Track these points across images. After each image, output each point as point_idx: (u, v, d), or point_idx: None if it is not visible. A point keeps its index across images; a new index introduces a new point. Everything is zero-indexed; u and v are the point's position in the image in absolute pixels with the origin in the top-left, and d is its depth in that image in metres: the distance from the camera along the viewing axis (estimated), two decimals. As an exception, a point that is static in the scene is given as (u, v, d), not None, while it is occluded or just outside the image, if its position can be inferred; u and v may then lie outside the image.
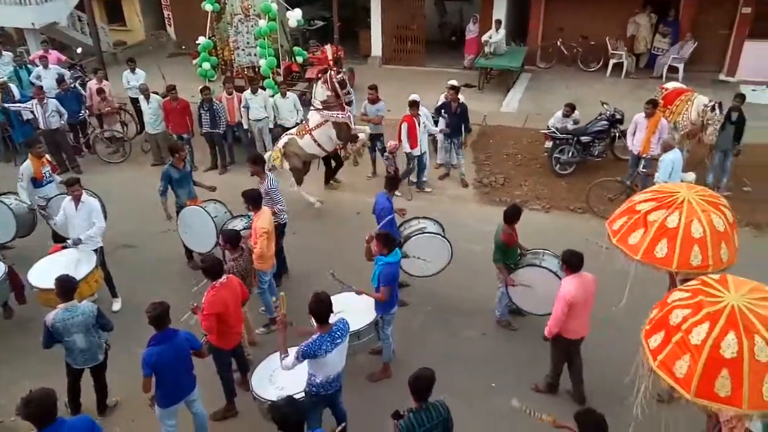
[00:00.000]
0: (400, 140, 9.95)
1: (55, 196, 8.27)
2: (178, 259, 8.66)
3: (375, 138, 10.56)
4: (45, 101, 10.82)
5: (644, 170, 9.27)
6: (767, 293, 3.82)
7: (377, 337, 6.41)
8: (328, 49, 10.68)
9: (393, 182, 7.48)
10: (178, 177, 8.05)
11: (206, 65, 12.75)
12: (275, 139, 11.52)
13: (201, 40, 12.79)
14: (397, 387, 6.14)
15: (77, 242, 7.19)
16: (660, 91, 10.94)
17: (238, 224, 7.66)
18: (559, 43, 16.07)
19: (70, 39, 17.23)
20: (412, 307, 7.66)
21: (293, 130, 9.95)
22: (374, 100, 10.72)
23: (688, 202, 4.97)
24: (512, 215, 6.69)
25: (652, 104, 9.50)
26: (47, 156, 8.90)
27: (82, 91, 12.33)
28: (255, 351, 6.76)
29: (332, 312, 4.95)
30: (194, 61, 13.22)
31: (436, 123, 10.54)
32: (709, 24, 14.94)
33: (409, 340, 7.07)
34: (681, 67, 14.60)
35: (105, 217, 7.72)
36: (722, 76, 14.93)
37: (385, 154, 10.17)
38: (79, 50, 15.64)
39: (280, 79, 12.65)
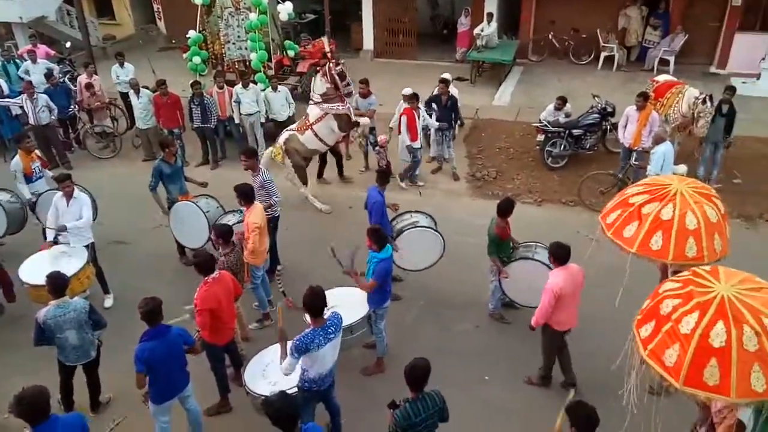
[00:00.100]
0: (399, 133, 9.92)
1: (46, 191, 8.20)
2: (170, 255, 8.63)
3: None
4: (35, 96, 10.72)
5: (636, 163, 9.30)
6: (757, 284, 3.85)
7: (370, 332, 6.41)
8: (325, 41, 10.65)
9: (384, 176, 7.47)
10: (170, 172, 8.00)
11: (197, 59, 12.69)
12: (267, 134, 11.55)
13: (191, 34, 12.72)
14: (391, 381, 6.18)
15: (62, 228, 7.12)
16: (651, 83, 10.99)
17: (231, 219, 7.64)
18: (550, 36, 16.09)
19: (59, 33, 17.06)
20: (405, 301, 7.68)
21: (293, 126, 9.85)
22: (365, 94, 10.71)
23: (681, 194, 5.00)
24: (505, 208, 6.70)
25: (643, 97, 9.53)
26: (37, 151, 8.82)
27: (72, 86, 12.23)
28: (248, 346, 6.76)
29: (326, 306, 4.95)
30: (185, 55, 13.16)
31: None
32: (699, 16, 15.00)
33: (402, 334, 7.09)
34: (672, 59, 14.66)
35: (96, 213, 7.67)
36: (713, 69, 15.00)
37: (377, 148, 10.16)
38: (67, 44, 15.49)
39: (271, 72, 12.60)
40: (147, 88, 11.42)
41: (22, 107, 10.96)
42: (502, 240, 6.77)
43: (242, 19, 12.43)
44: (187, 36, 12.81)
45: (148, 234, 9.19)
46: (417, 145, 10.00)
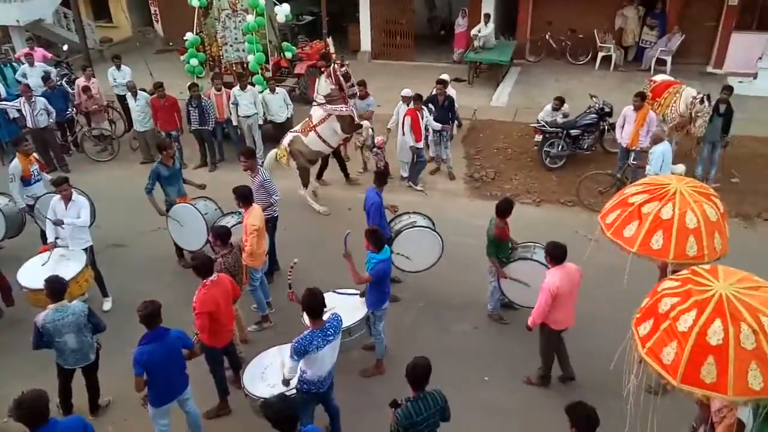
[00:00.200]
0: (403, 134, 9.93)
1: (44, 194, 8.19)
2: (169, 258, 8.62)
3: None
4: (33, 100, 10.70)
5: (635, 162, 9.31)
6: (756, 283, 3.87)
7: (369, 334, 6.41)
8: (330, 42, 10.72)
9: (382, 177, 7.48)
10: (168, 175, 8.00)
11: (194, 61, 12.68)
12: (265, 136, 11.54)
13: (188, 36, 12.70)
14: (390, 382, 6.19)
15: (59, 222, 7.10)
16: (648, 83, 11.00)
17: (230, 221, 7.64)
18: (547, 36, 16.11)
19: (56, 36, 17.05)
20: (404, 302, 7.67)
21: (297, 128, 9.84)
22: (363, 96, 10.71)
23: (680, 193, 5.02)
24: (504, 209, 6.71)
25: (641, 97, 9.54)
26: (35, 154, 8.80)
27: (69, 89, 12.22)
28: (247, 348, 6.75)
29: (325, 307, 4.94)
30: (182, 58, 13.14)
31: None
32: (696, 16, 15.05)
33: (401, 336, 7.09)
34: (669, 59, 14.68)
35: (94, 217, 7.65)
36: (710, 68, 15.03)
37: (374, 149, 10.16)
38: (65, 47, 15.48)
39: (268, 74, 12.60)
40: (144, 90, 11.41)
41: (19, 110, 10.94)
42: (501, 240, 6.78)
43: (239, 21, 12.42)
44: (185, 38, 12.79)
45: (146, 237, 9.18)
46: (420, 145, 10.00)
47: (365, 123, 9.83)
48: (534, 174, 10.81)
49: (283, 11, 12.56)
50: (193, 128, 11.21)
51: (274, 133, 11.79)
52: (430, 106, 10.49)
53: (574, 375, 6.38)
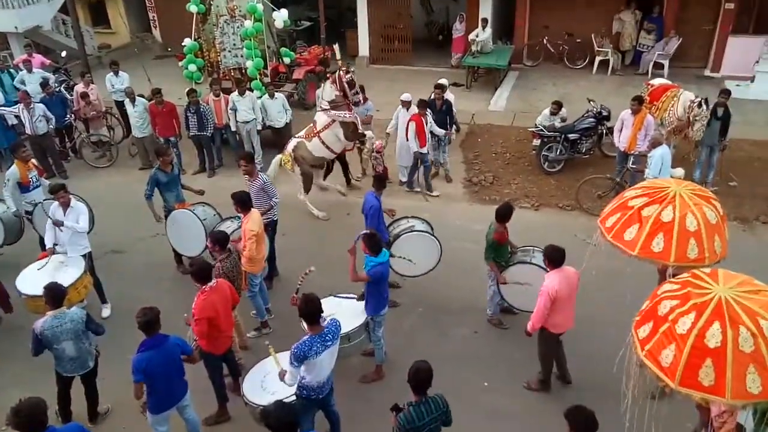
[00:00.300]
0: (407, 139, 9.95)
1: (43, 200, 8.17)
2: (168, 264, 8.61)
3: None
4: (32, 106, 10.69)
5: (634, 166, 9.32)
6: (756, 286, 3.87)
7: (368, 339, 6.40)
8: (337, 49, 10.79)
9: (381, 181, 7.49)
10: (166, 180, 8.00)
11: (192, 67, 12.71)
12: (264, 141, 11.55)
13: (187, 42, 12.74)
14: (390, 388, 6.18)
15: (59, 223, 7.09)
16: (646, 87, 11.02)
17: (231, 226, 7.64)
18: (545, 41, 16.14)
19: (54, 42, 17.07)
20: (404, 307, 7.66)
21: (301, 133, 9.85)
22: (362, 101, 10.71)
23: (680, 196, 5.03)
24: (504, 214, 6.72)
25: (638, 101, 9.55)
26: (33, 160, 8.80)
27: (67, 95, 12.22)
28: (246, 355, 6.74)
29: (322, 312, 4.94)
30: (180, 64, 13.17)
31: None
32: (693, 20, 15.09)
33: (401, 341, 7.07)
34: (666, 63, 14.72)
35: (93, 223, 7.64)
36: (707, 72, 15.07)
37: (373, 153, 10.17)
38: (63, 54, 15.50)
39: (267, 80, 12.62)
40: (143, 96, 11.42)
41: (18, 117, 10.94)
42: (500, 244, 6.78)
43: (238, 27, 12.45)
44: (183, 44, 12.83)
45: (145, 242, 9.17)
46: (425, 150, 10.02)
47: (368, 133, 9.84)
48: (532, 178, 10.82)
49: (281, 17, 12.59)
50: (191, 134, 11.21)
51: (272, 138, 11.81)
52: (428, 110, 10.49)
53: (571, 379, 6.39)
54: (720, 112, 9.64)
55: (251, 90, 11.55)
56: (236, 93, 11.10)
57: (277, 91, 11.80)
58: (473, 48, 15.21)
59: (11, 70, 12.91)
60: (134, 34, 19.68)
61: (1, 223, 8.14)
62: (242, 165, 7.57)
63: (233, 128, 11.30)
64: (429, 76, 14.15)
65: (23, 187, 8.29)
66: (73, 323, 5.54)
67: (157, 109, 10.95)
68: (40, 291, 5.74)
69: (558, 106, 10.85)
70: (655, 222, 4.96)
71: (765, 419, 3.90)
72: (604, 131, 10.91)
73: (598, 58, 15.55)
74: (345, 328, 5.69)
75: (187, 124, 11.13)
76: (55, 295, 5.54)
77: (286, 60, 13.52)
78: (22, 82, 12.17)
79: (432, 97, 10.64)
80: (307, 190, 9.79)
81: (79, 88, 12.01)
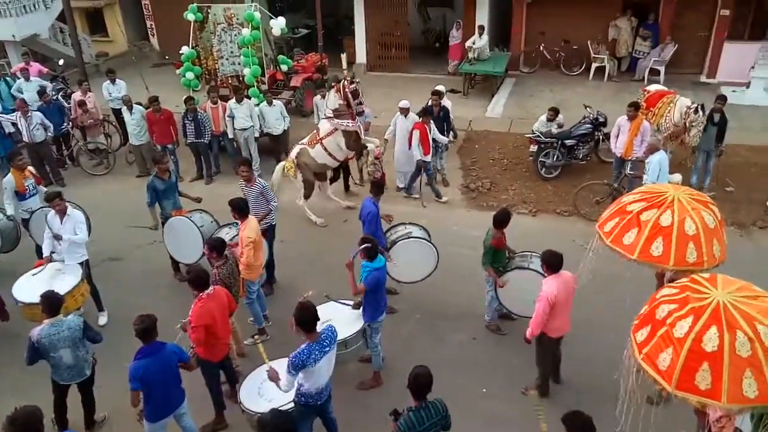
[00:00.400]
0: (410, 148, 9.98)
1: (39, 208, 8.17)
2: (165, 271, 8.58)
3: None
4: (29, 114, 10.69)
5: (632, 172, 9.34)
6: (754, 292, 3.88)
7: (365, 346, 6.38)
8: (343, 58, 10.89)
9: (379, 187, 7.50)
10: (164, 188, 8.00)
11: (190, 75, 12.71)
12: (261, 148, 11.56)
13: (184, 49, 12.75)
14: (389, 394, 6.16)
15: (58, 237, 7.07)
16: (642, 93, 11.06)
17: (230, 232, 7.63)
18: (541, 47, 16.22)
19: (52, 51, 17.09)
20: (402, 314, 7.65)
21: (305, 140, 9.90)
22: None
23: (678, 200, 5.05)
24: (502, 220, 6.72)
25: (634, 107, 9.59)
26: (30, 168, 8.79)
27: (65, 104, 12.22)
28: (244, 362, 6.71)
29: (318, 320, 4.92)
30: (178, 71, 13.18)
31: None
32: (688, 27, 15.19)
33: (399, 347, 7.05)
34: (662, 69, 14.79)
35: (89, 231, 7.63)
36: (703, 78, 15.16)
37: (372, 160, 10.17)
38: (60, 62, 15.51)
39: (264, 87, 12.64)
40: (140, 104, 11.42)
41: (15, 124, 10.93)
42: (498, 250, 6.78)
43: (235, 35, 12.48)
44: (180, 52, 12.84)
45: (142, 250, 9.14)
46: (428, 158, 10.05)
47: (370, 146, 9.86)
48: (530, 184, 10.84)
49: (278, 25, 12.62)
50: (189, 141, 11.21)
51: (270, 145, 11.82)
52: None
53: (561, 380, 6.44)
54: (716, 117, 9.67)
55: (249, 97, 11.57)
56: (234, 100, 11.12)
57: (275, 99, 11.82)
58: (470, 55, 15.28)
59: (8, 79, 12.92)
60: (132, 43, 19.71)
61: (-1, 231, 8.11)
62: (243, 171, 7.63)
63: (231, 135, 11.31)
64: (426, 83, 14.18)
65: (19, 195, 8.27)
66: (71, 331, 5.52)
67: (155, 116, 10.96)
68: (36, 299, 5.72)
69: (555, 112, 10.89)
70: (654, 226, 4.98)
71: (762, 423, 3.90)
72: (601, 137, 10.95)
73: (594, 65, 15.63)
74: (342, 335, 5.68)
75: (184, 131, 11.14)
76: (51, 303, 5.51)
77: (284, 67, 13.56)
78: (20, 90, 12.18)
79: (429, 103, 10.69)
80: (307, 196, 9.81)
81: (77, 96, 12.02)
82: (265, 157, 11.70)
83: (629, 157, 9.53)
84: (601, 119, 10.93)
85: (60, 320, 5.52)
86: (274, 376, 4.99)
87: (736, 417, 4.03)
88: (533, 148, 10.97)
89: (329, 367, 5.06)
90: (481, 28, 15.37)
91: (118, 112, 12.16)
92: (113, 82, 12.40)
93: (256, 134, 11.35)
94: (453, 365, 6.75)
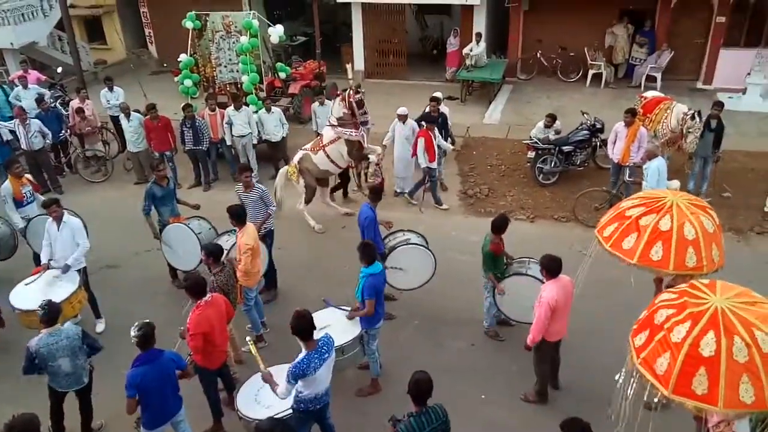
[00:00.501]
0: (414, 154, 10.02)
1: (36, 216, 8.15)
2: (163, 278, 8.56)
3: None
4: (27, 122, 10.70)
5: (630, 179, 9.36)
6: (753, 298, 3.88)
7: (363, 352, 6.36)
8: (349, 68, 10.91)
9: (377, 193, 7.51)
10: (162, 195, 8.00)
11: (188, 82, 12.73)
12: (259, 155, 11.58)
13: (183, 57, 12.78)
14: (387, 401, 6.14)
15: (66, 269, 7.06)
16: (639, 100, 11.10)
17: (229, 240, 7.63)
18: (538, 54, 16.29)
19: (50, 58, 17.12)
20: (400, 320, 7.64)
21: (308, 146, 9.96)
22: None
23: (677, 205, 5.07)
24: (500, 225, 6.73)
25: (631, 113, 9.63)
26: (28, 175, 8.78)
27: (63, 111, 12.23)
28: (241, 369, 6.69)
29: (315, 328, 4.91)
30: (176, 79, 13.20)
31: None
32: (684, 33, 15.28)
33: (397, 354, 7.04)
34: (659, 76, 14.85)
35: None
36: (699, 84, 15.23)
37: (372, 169, 10.19)
38: (59, 70, 15.54)
39: (262, 95, 12.66)
40: (138, 111, 11.44)
41: (13, 132, 10.93)
42: (496, 256, 6.79)
43: (233, 42, 12.51)
44: (179, 59, 12.87)
45: (139, 257, 9.13)
46: (434, 165, 10.10)
47: (372, 158, 9.89)
48: (527, 190, 10.85)
49: (276, 32, 12.67)
50: (187, 148, 11.22)
51: (268, 152, 11.83)
52: (423, 123, 10.56)
53: (559, 387, 6.44)
54: (713, 123, 9.71)
55: (247, 105, 11.60)
56: (232, 107, 11.15)
57: (273, 106, 11.85)
58: (467, 62, 15.34)
59: (6, 87, 12.93)
60: (130, 50, 19.76)
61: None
62: (246, 177, 7.69)
63: (229, 142, 11.33)
64: (424, 90, 14.24)
65: (17, 202, 8.26)
66: (69, 340, 5.50)
67: (152, 124, 10.97)
68: (33, 306, 5.70)
69: (552, 118, 10.92)
70: (654, 231, 4.99)
71: (761, 428, 3.89)
72: (598, 143, 10.97)
73: (591, 72, 15.69)
74: (339, 341, 5.67)
75: (182, 138, 11.15)
76: (49, 314, 5.49)
77: (282, 75, 13.59)
78: (18, 98, 12.17)
79: (428, 109, 10.74)
80: (307, 201, 9.86)
81: (75, 103, 12.02)
82: (263, 164, 11.71)
83: (626, 164, 9.56)
84: (599, 125, 10.96)
85: (58, 329, 5.50)
86: (268, 379, 4.98)
87: (735, 422, 4.04)
88: (531, 154, 10.99)
89: (329, 372, 5.05)
90: (479, 35, 15.44)
91: (116, 120, 12.18)
92: (111, 89, 12.42)
93: (254, 141, 11.37)
94: (452, 371, 6.73)
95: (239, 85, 12.62)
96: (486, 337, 7.36)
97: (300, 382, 4.86)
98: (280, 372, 5.04)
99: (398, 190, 10.74)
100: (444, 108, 11.03)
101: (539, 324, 5.79)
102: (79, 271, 7.24)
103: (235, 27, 12.42)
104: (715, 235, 5.05)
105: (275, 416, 4.92)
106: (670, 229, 4.93)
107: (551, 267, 5.77)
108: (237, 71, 12.67)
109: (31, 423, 4.13)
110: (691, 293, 3.92)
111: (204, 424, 6.03)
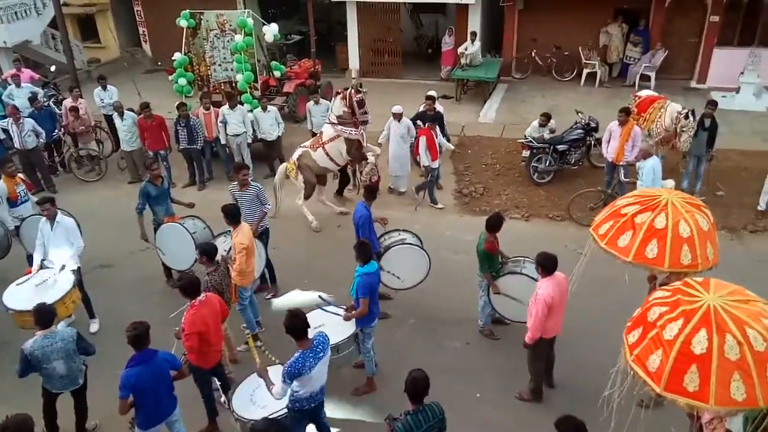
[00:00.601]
0: (417, 153, 10.02)
1: (30, 216, 8.11)
2: (157, 278, 8.54)
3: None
4: (21, 121, 10.64)
5: (626, 180, 9.38)
6: (746, 296, 3.90)
7: (358, 351, 6.37)
8: (355, 70, 10.87)
9: (372, 192, 7.51)
10: (156, 194, 7.97)
11: (182, 81, 12.70)
12: (254, 154, 11.56)
13: (177, 56, 12.73)
14: (382, 399, 6.14)
15: (62, 270, 7.02)
16: (633, 99, 11.14)
17: (227, 241, 7.59)
18: (533, 53, 16.32)
19: (44, 57, 17.02)
20: (395, 319, 7.64)
21: (307, 143, 9.99)
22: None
23: (672, 204, 5.10)
24: (494, 224, 6.74)
25: (625, 112, 9.65)
26: (21, 175, 8.74)
27: (56, 110, 12.17)
28: (236, 369, 6.68)
29: (309, 327, 4.91)
30: (170, 77, 13.16)
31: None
32: (678, 33, 15.34)
33: (392, 353, 7.04)
34: (653, 75, 14.91)
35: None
36: (693, 84, 15.29)
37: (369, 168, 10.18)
38: (52, 68, 15.46)
39: (257, 93, 12.64)
40: (132, 110, 11.40)
41: (6, 131, 10.87)
42: (491, 254, 6.80)
43: (228, 41, 12.48)
44: (173, 58, 12.83)
45: (134, 257, 9.09)
46: (436, 165, 10.11)
47: (371, 158, 9.89)
48: (522, 189, 10.87)
49: (271, 31, 12.64)
50: (181, 147, 11.19)
51: (264, 151, 11.81)
52: (419, 122, 10.57)
53: (554, 385, 6.46)
54: (707, 122, 9.75)
55: (242, 103, 11.57)
56: (227, 106, 11.13)
57: (269, 105, 11.83)
58: (462, 61, 15.34)
59: (-2, 85, 12.87)
60: (124, 49, 19.69)
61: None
62: (243, 175, 7.68)
63: (223, 141, 11.30)
64: (419, 89, 14.24)
65: (11, 202, 8.23)
66: (64, 342, 5.48)
67: (146, 123, 10.93)
68: (26, 306, 5.68)
69: (547, 117, 10.94)
70: (649, 228, 5.02)
71: (754, 425, 3.91)
72: (593, 142, 11.00)
73: (585, 71, 15.72)
74: (334, 340, 5.67)
75: (177, 137, 11.12)
76: (44, 317, 5.47)
77: (277, 73, 13.57)
78: (11, 97, 12.11)
79: (423, 108, 10.75)
80: (306, 196, 9.89)
81: (68, 102, 11.96)
82: (258, 163, 11.68)
83: (620, 162, 9.59)
84: (593, 124, 10.99)
85: (53, 332, 5.48)
86: (263, 374, 4.98)
87: (727, 419, 4.06)
88: (525, 153, 11.02)
89: (324, 371, 5.05)
90: (474, 34, 15.45)
91: (109, 119, 12.12)
92: (104, 88, 12.37)
93: (249, 140, 11.34)
94: (447, 370, 6.74)
95: (234, 84, 12.59)
96: (481, 336, 7.37)
97: (295, 382, 4.86)
98: (275, 374, 5.03)
99: (392, 187, 10.74)
100: (438, 107, 11.03)
101: (536, 322, 5.81)
102: (73, 270, 7.21)
103: (230, 25, 12.40)
104: (709, 233, 5.08)
105: (270, 416, 4.92)
106: (666, 226, 4.96)
107: (547, 264, 5.79)
108: (231, 70, 12.65)
109: (25, 423, 4.12)
110: (685, 291, 3.94)
111: (199, 424, 6.02)
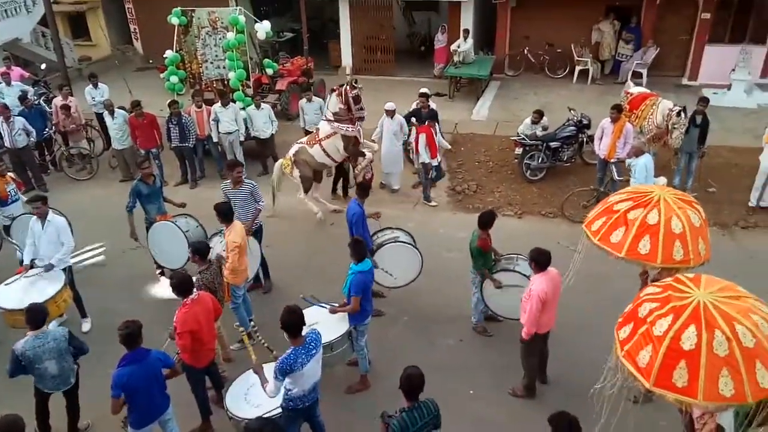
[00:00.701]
0: (417, 152, 10.03)
1: (20, 215, 8.06)
2: (149, 276, 8.51)
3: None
4: (11, 119, 10.56)
5: (620, 178, 9.41)
6: (737, 292, 3.93)
7: (351, 349, 6.36)
8: (349, 66, 10.84)
9: (365, 189, 7.51)
10: (148, 192, 7.93)
11: (174, 79, 12.63)
12: (246, 152, 11.52)
13: (168, 53, 12.67)
14: (376, 397, 6.14)
15: (49, 268, 6.98)
16: (625, 96, 11.17)
17: (222, 241, 7.56)
18: (526, 51, 16.34)
19: (34, 55, 16.90)
20: (388, 317, 7.64)
21: (304, 139, 10.00)
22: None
23: (664, 200, 5.13)
24: (487, 221, 6.75)
25: (617, 109, 9.68)
26: (11, 174, 8.67)
27: (47, 108, 12.08)
28: (230, 367, 6.66)
29: (304, 324, 4.91)
30: (162, 75, 13.09)
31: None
32: (670, 30, 15.39)
33: (386, 350, 7.04)
34: (644, 72, 14.95)
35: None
36: (684, 81, 15.35)
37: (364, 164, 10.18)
38: (43, 66, 15.35)
39: (250, 91, 12.60)
40: (123, 108, 11.33)
41: (-4, 129, 10.79)
42: (484, 252, 6.81)
43: (219, 39, 12.42)
44: (164, 56, 12.76)
45: (126, 255, 9.05)
46: (436, 162, 10.11)
47: (368, 155, 9.88)
48: (515, 186, 10.89)
49: (263, 28, 12.59)
50: (173, 145, 11.15)
51: (257, 149, 11.78)
52: (413, 120, 10.56)
53: (547, 381, 6.49)
54: (698, 119, 9.79)
55: (234, 101, 11.52)
56: (219, 104, 11.07)
57: (262, 102, 11.79)
58: (455, 58, 15.34)
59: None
60: (115, 47, 19.58)
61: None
62: (238, 172, 7.66)
63: (215, 139, 11.26)
64: (411, 86, 14.24)
65: (1, 201, 8.17)
66: (56, 342, 5.45)
67: (137, 121, 10.87)
68: (18, 305, 5.64)
69: (539, 115, 10.95)
70: (641, 224, 5.05)
71: (747, 420, 3.94)
72: (585, 139, 11.03)
73: (578, 68, 15.76)
74: (327, 338, 5.67)
75: (168, 135, 11.07)
76: (36, 317, 5.43)
77: (269, 71, 13.52)
78: (1, 95, 12.01)
79: (417, 105, 10.74)
80: (306, 190, 9.91)
81: (58, 100, 11.88)
82: (251, 161, 11.64)
83: (612, 159, 9.62)
84: (585, 122, 11.02)
85: (45, 332, 5.44)
86: (258, 370, 4.98)
87: (717, 414, 4.08)
88: (518, 150, 11.04)
89: (317, 368, 5.05)
90: (466, 31, 15.46)
91: (101, 117, 12.05)
92: (95, 86, 12.28)
93: (241, 138, 11.30)
94: (440, 367, 6.73)
95: (226, 82, 12.54)
96: (474, 333, 7.38)
97: (288, 379, 4.85)
98: (268, 371, 5.02)
99: (384, 182, 10.76)
100: (431, 103, 11.02)
101: (531, 317, 5.83)
102: (64, 269, 7.17)
103: (222, 23, 12.33)
104: (701, 229, 5.11)
105: (264, 415, 4.91)
106: (658, 222, 4.99)
107: (540, 260, 5.82)
108: (223, 67, 12.58)
109: (15, 424, 4.09)
110: (676, 287, 3.96)
111: (192, 422, 6.00)
